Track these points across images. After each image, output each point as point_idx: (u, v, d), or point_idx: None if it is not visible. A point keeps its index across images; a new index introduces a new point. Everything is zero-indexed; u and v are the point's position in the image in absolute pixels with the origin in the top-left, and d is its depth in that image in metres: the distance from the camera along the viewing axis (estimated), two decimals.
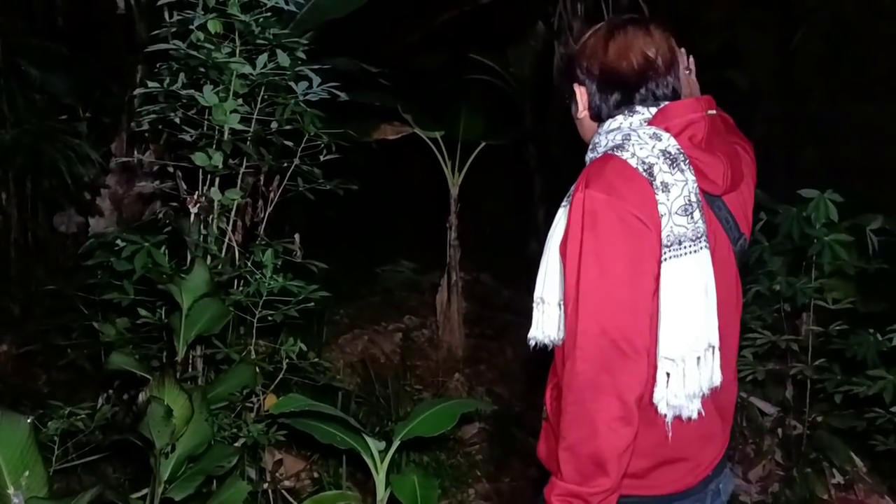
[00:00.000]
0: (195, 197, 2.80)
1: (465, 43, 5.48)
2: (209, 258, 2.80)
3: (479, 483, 3.61)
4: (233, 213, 2.93)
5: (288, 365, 2.99)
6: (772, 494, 3.30)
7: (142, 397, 2.31)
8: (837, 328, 3.18)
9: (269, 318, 2.95)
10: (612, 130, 1.43)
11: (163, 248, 2.77)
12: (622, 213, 1.29)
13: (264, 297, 2.87)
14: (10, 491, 1.95)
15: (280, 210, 3.19)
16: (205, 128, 2.75)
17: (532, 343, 1.52)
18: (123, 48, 4.35)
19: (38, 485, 2.01)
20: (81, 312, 3.56)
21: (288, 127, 2.89)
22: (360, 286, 5.55)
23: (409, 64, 5.51)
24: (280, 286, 2.85)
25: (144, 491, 2.55)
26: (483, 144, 4.72)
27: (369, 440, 2.91)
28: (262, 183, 3.15)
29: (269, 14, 2.66)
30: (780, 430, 3.45)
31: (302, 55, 2.78)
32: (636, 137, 1.35)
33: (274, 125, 2.86)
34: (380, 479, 2.93)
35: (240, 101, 2.72)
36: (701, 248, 1.33)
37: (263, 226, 3.13)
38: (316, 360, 3.35)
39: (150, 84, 2.68)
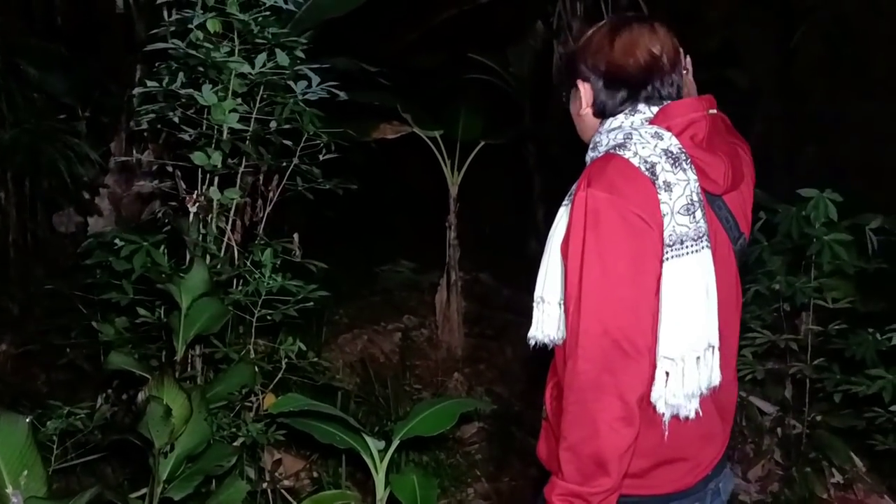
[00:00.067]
0: (194, 196, 2.80)
1: (465, 42, 5.48)
2: (208, 258, 2.80)
3: (478, 482, 3.61)
4: (232, 212, 2.93)
5: (287, 364, 2.99)
6: (771, 494, 3.30)
7: (141, 397, 2.31)
8: (837, 327, 3.18)
9: (269, 317, 2.94)
10: (613, 129, 1.42)
11: (162, 247, 2.77)
12: (624, 213, 1.28)
13: (263, 297, 2.87)
14: (9, 490, 1.95)
15: (279, 209, 3.19)
16: (204, 127, 2.75)
17: (532, 342, 1.52)
18: (122, 48, 4.35)
19: (37, 484, 2.00)
20: (80, 312, 3.56)
21: (287, 126, 2.89)
22: (360, 286, 5.55)
23: (409, 63, 5.50)
24: (279, 286, 2.85)
25: (143, 490, 2.54)
26: (482, 144, 4.73)
27: (369, 440, 2.91)
28: (261, 182, 3.14)
29: (267, 13, 2.65)
30: (779, 430, 3.45)
31: (301, 54, 2.77)
32: (638, 136, 1.35)
33: (273, 124, 2.86)
34: (379, 478, 2.93)
35: (239, 100, 2.72)
36: (702, 247, 1.33)
37: (262, 225, 3.13)
38: (315, 359, 3.34)
39: (149, 83, 2.68)
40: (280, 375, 3.00)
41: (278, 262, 2.89)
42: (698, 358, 1.32)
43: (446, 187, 4.76)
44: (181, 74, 2.64)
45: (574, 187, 1.39)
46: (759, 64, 6.37)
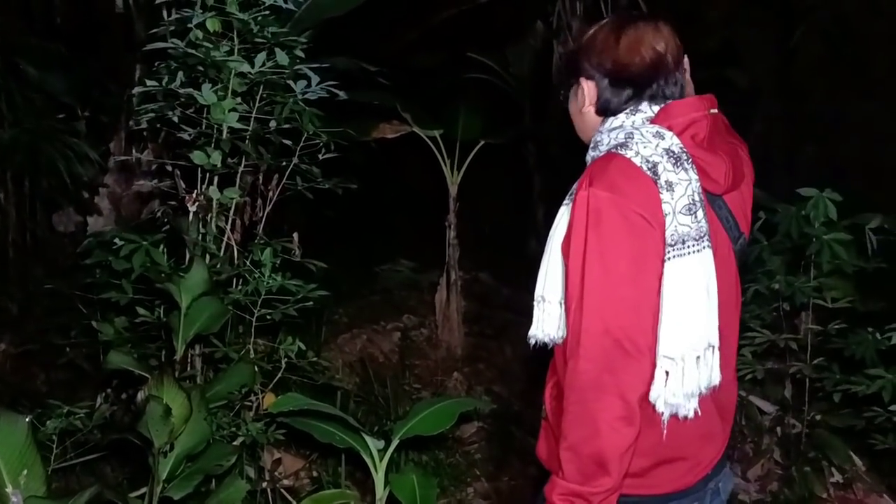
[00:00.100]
0: (194, 196, 2.80)
1: (464, 42, 5.48)
2: (208, 257, 2.80)
3: (477, 482, 3.61)
4: (231, 211, 2.93)
5: (287, 364, 2.99)
6: (770, 493, 3.30)
7: (140, 396, 2.30)
8: (836, 327, 3.18)
9: (268, 317, 2.94)
10: (614, 129, 1.42)
11: (161, 246, 2.77)
12: (626, 212, 1.28)
13: (263, 296, 2.87)
14: (9, 490, 1.95)
15: (279, 209, 3.19)
16: (203, 126, 2.75)
17: (532, 341, 1.51)
18: (122, 47, 4.35)
19: (37, 484, 2.01)
20: (80, 311, 3.56)
21: (287, 126, 2.89)
22: (359, 285, 5.55)
23: (408, 63, 5.50)
24: (279, 285, 2.85)
25: (143, 490, 2.54)
26: (482, 143, 4.73)
27: (368, 439, 2.91)
28: (260, 182, 3.14)
29: (267, 12, 2.65)
30: (778, 429, 3.45)
31: (300, 54, 2.77)
32: (639, 136, 1.35)
33: (273, 124, 2.86)
34: (379, 478, 2.93)
35: (238, 99, 2.72)
36: (704, 247, 1.33)
37: (262, 225, 3.13)
38: (315, 359, 3.34)
39: (149, 83, 2.68)
40: (280, 375, 3.00)
41: (278, 262, 2.89)
42: (698, 357, 1.32)
43: (446, 187, 4.76)
44: (180, 74, 2.64)
45: (575, 186, 1.38)
46: (758, 63, 6.38)
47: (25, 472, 1.99)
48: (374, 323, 4.96)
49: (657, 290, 1.31)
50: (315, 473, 3.47)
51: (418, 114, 4.53)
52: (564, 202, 1.45)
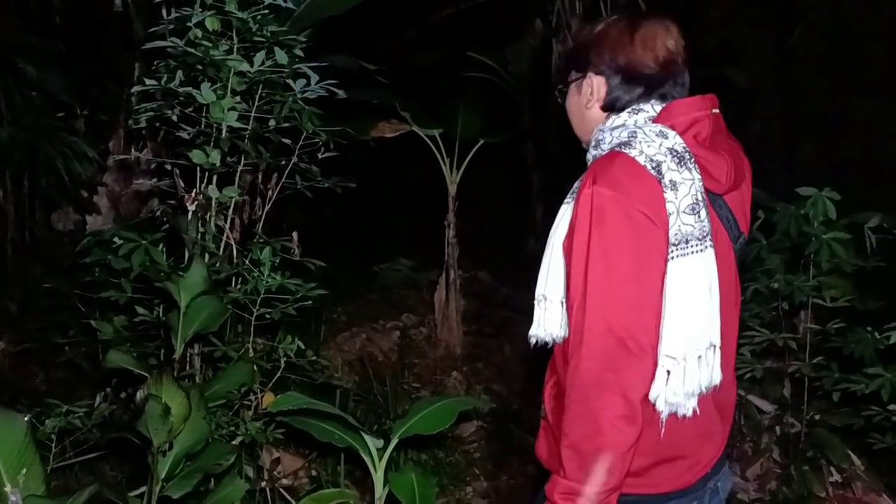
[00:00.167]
0: (193, 195, 2.80)
1: (463, 40, 5.48)
2: (207, 256, 2.80)
3: (477, 481, 3.61)
4: (230, 210, 2.93)
5: (286, 363, 2.99)
6: (769, 492, 3.31)
7: (139, 395, 2.30)
8: (835, 326, 3.18)
9: (267, 316, 2.94)
10: (616, 127, 1.42)
11: (160, 245, 2.77)
12: (630, 210, 1.28)
13: (262, 295, 2.87)
14: (8, 489, 1.95)
15: (278, 208, 3.19)
16: (202, 125, 2.75)
17: (533, 341, 1.50)
18: (120, 46, 4.35)
19: (36, 483, 2.00)
20: (79, 310, 3.56)
21: (286, 125, 2.88)
22: (359, 284, 5.55)
23: (407, 61, 5.51)
24: (278, 284, 2.85)
25: (142, 489, 2.54)
26: (481, 142, 4.73)
27: (367, 438, 2.91)
28: (259, 181, 3.14)
29: (266, 11, 2.65)
30: (777, 428, 3.45)
31: (300, 52, 2.77)
32: (643, 135, 1.35)
33: (272, 123, 2.85)
34: (378, 477, 2.93)
35: (237, 98, 2.72)
36: (707, 246, 1.33)
37: (261, 224, 3.13)
38: (314, 358, 3.35)
39: (148, 82, 2.68)
40: (279, 374, 3.00)
41: (277, 261, 2.89)
42: (700, 357, 1.32)
43: (445, 186, 4.76)
44: (180, 72, 2.64)
45: (577, 185, 1.38)
46: (757, 62, 6.38)
47: (24, 470, 1.98)
48: (373, 322, 4.96)
49: (660, 288, 1.30)
50: (314, 472, 3.47)
51: (417, 113, 4.53)
52: (566, 200, 1.44)
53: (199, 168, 2.79)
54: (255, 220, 3.14)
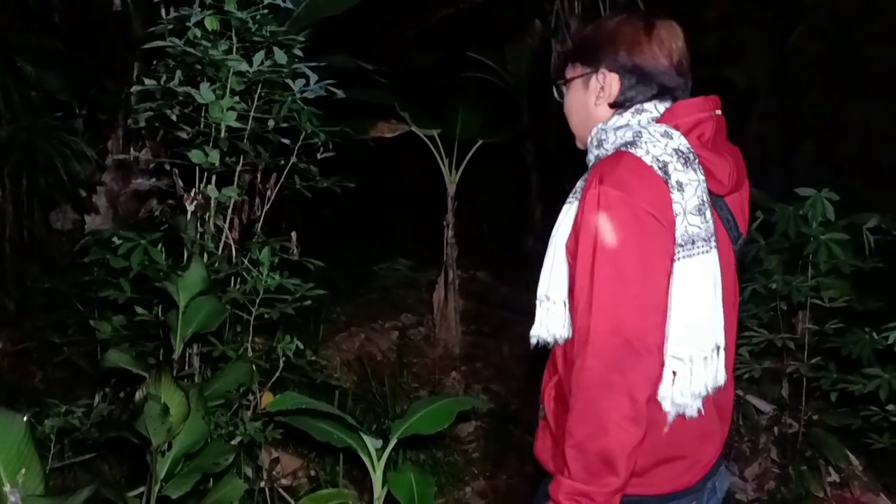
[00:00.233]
0: (192, 194, 2.80)
1: (462, 40, 5.48)
2: (206, 256, 2.80)
3: (475, 480, 3.61)
4: (229, 210, 2.93)
5: (285, 363, 2.99)
6: (768, 492, 3.31)
7: (138, 395, 2.31)
8: (833, 326, 3.18)
9: (266, 315, 2.94)
10: (620, 127, 1.41)
11: (159, 245, 2.77)
12: (637, 211, 1.28)
13: (261, 295, 2.87)
14: (7, 489, 1.95)
15: (277, 208, 3.19)
16: (201, 125, 2.75)
17: (534, 341, 1.50)
18: (119, 45, 4.35)
19: (35, 482, 2.00)
20: (77, 310, 3.56)
21: (285, 125, 2.89)
22: (357, 284, 5.55)
23: (406, 61, 5.51)
24: (277, 284, 2.85)
25: (141, 489, 2.54)
26: (480, 142, 4.73)
27: (366, 438, 2.91)
28: (258, 181, 3.15)
29: (265, 11, 2.65)
30: (776, 428, 3.45)
31: (299, 52, 2.77)
32: (648, 135, 1.34)
33: (271, 123, 2.86)
34: (377, 476, 2.93)
35: (236, 98, 2.72)
36: (712, 247, 1.33)
37: (260, 223, 3.13)
38: (313, 357, 3.35)
39: (147, 81, 2.68)
40: (278, 374, 3.00)
41: (276, 261, 2.89)
42: (706, 357, 1.32)
43: (444, 186, 4.76)
44: (179, 72, 2.64)
45: (580, 185, 1.37)
46: (756, 63, 6.38)
47: (23, 470, 1.98)
48: (372, 321, 4.96)
49: (667, 289, 1.30)
50: (313, 472, 3.47)
51: (416, 113, 4.53)
52: (568, 200, 1.43)
53: (197, 168, 2.79)
54: (254, 219, 3.14)
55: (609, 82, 1.46)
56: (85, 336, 3.45)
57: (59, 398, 2.86)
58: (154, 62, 2.76)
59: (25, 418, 2.04)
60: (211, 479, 2.67)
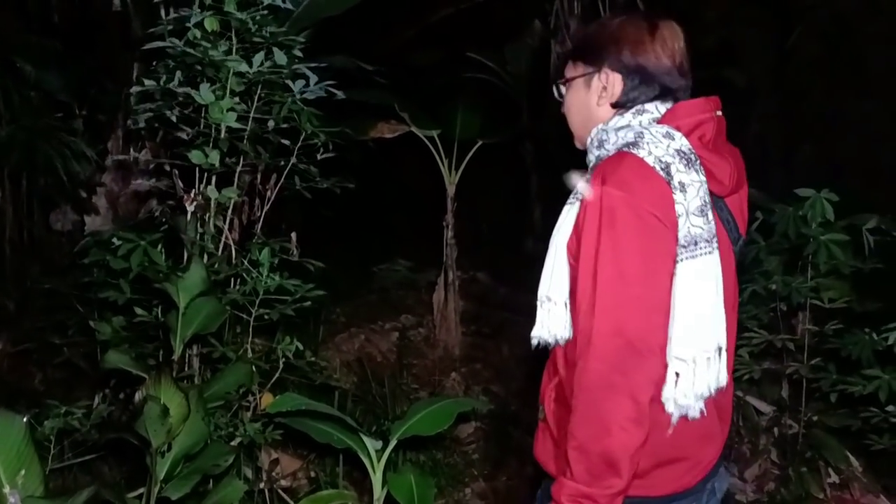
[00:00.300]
0: (192, 195, 2.80)
1: (462, 40, 5.48)
2: (206, 256, 2.80)
3: (475, 482, 3.61)
4: (229, 211, 2.93)
5: (284, 364, 2.99)
6: (767, 493, 3.31)
7: (138, 396, 2.31)
8: (833, 327, 3.18)
9: (266, 316, 2.94)
10: (621, 127, 1.41)
11: (159, 246, 2.77)
12: (639, 211, 1.28)
13: (261, 296, 2.87)
14: (7, 490, 1.94)
15: (277, 208, 3.19)
16: (201, 126, 2.75)
17: (535, 342, 1.49)
18: (119, 45, 4.35)
19: (35, 484, 2.00)
20: (77, 311, 3.55)
21: (285, 125, 2.89)
22: (357, 285, 5.55)
23: (406, 62, 5.51)
24: (277, 285, 2.84)
25: (141, 490, 2.54)
26: (480, 143, 4.73)
27: (366, 439, 2.91)
28: (258, 181, 3.15)
29: (265, 12, 2.65)
30: (775, 429, 3.45)
31: (298, 53, 2.77)
32: (650, 136, 1.34)
33: (271, 123, 2.86)
34: (376, 478, 2.93)
35: (236, 99, 2.72)
36: (714, 248, 1.33)
37: (260, 224, 3.13)
38: (312, 359, 3.35)
39: (147, 82, 2.68)
40: (277, 375, 3.00)
41: (276, 262, 2.89)
42: (709, 358, 1.32)
43: (444, 186, 4.76)
44: (179, 73, 2.64)
45: (581, 185, 1.37)
46: (756, 63, 6.38)
47: (23, 471, 1.98)
48: (371, 322, 4.96)
49: (669, 290, 1.30)
50: (313, 473, 3.47)
51: (416, 113, 4.53)
52: (569, 201, 1.42)
53: (197, 168, 2.79)
54: (254, 220, 3.14)
55: (612, 82, 1.45)
56: (85, 337, 3.45)
57: (58, 399, 2.86)
58: (154, 63, 2.75)
59: (25, 419, 2.04)
60: (211, 481, 2.67)
